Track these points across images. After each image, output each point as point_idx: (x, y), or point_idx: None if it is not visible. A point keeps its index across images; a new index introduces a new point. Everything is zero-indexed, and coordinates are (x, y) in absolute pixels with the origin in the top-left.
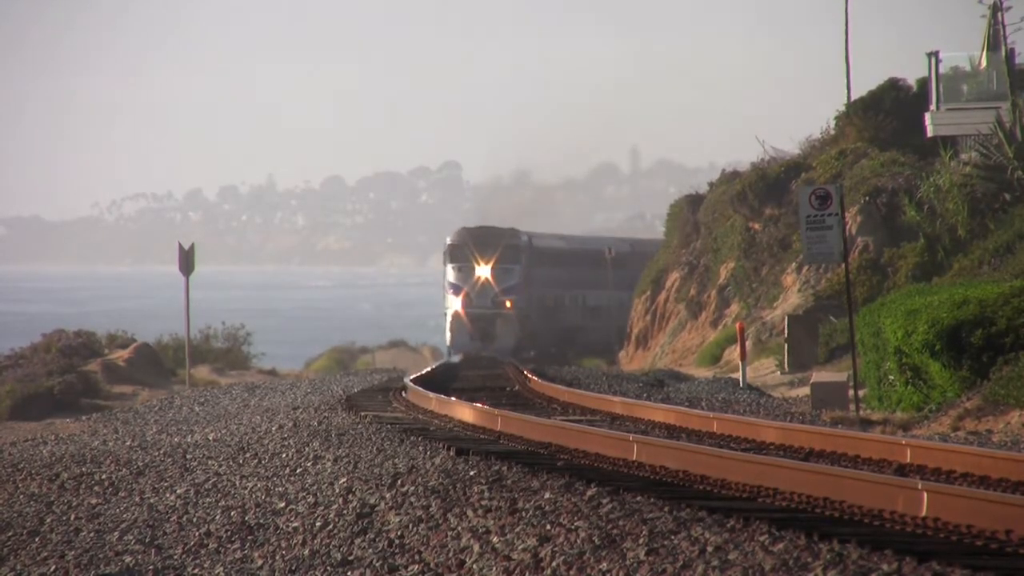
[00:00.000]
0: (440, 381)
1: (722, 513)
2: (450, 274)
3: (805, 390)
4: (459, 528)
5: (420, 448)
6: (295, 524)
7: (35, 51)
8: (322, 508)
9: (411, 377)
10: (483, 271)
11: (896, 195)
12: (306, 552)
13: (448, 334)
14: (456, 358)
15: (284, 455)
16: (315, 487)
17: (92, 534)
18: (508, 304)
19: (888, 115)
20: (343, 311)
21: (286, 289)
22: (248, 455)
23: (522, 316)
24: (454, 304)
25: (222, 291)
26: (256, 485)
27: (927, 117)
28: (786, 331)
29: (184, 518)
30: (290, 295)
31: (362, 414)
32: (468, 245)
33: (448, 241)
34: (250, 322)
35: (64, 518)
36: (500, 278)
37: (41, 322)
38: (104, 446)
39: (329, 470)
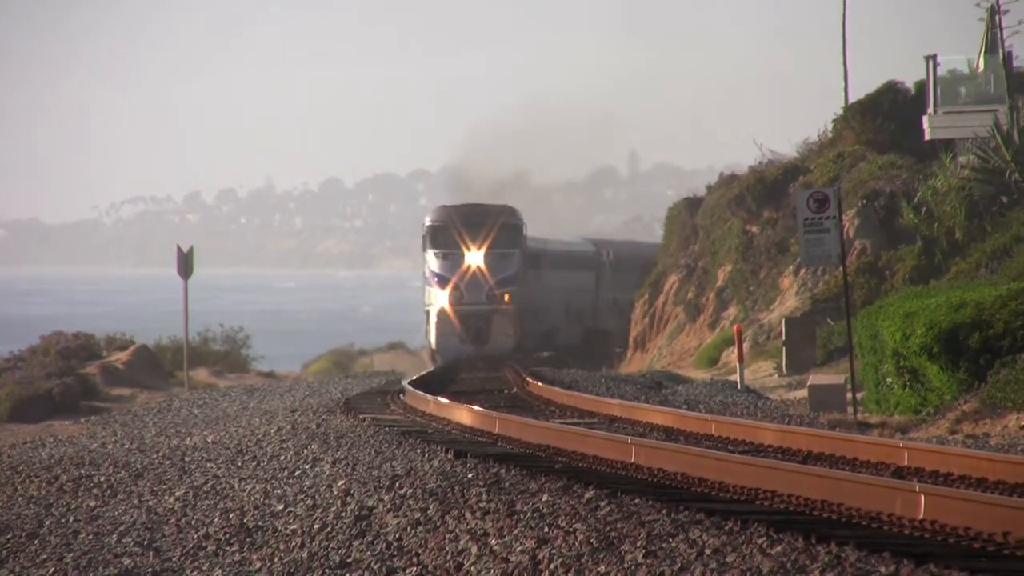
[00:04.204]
0: (438, 383)
1: (720, 515)
2: (432, 262)
3: (803, 392)
4: (457, 530)
5: (418, 451)
6: (293, 526)
7: (34, 55)
8: (320, 510)
9: (409, 380)
10: (474, 258)
11: (894, 198)
12: (304, 554)
13: (432, 335)
14: (442, 362)
15: (282, 457)
16: (313, 489)
17: (91, 536)
18: (506, 298)
19: (886, 118)
20: (409, 313)
21: (328, 291)
22: (247, 457)
23: (521, 312)
24: (439, 299)
25: (266, 295)
26: (255, 487)
27: (925, 120)
28: (784, 334)
29: (183, 520)
30: (336, 296)
31: (360, 417)
32: (454, 226)
33: (427, 222)
34: (329, 326)
35: (63, 520)
36: (495, 266)
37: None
38: (103, 448)
39: (327, 472)
